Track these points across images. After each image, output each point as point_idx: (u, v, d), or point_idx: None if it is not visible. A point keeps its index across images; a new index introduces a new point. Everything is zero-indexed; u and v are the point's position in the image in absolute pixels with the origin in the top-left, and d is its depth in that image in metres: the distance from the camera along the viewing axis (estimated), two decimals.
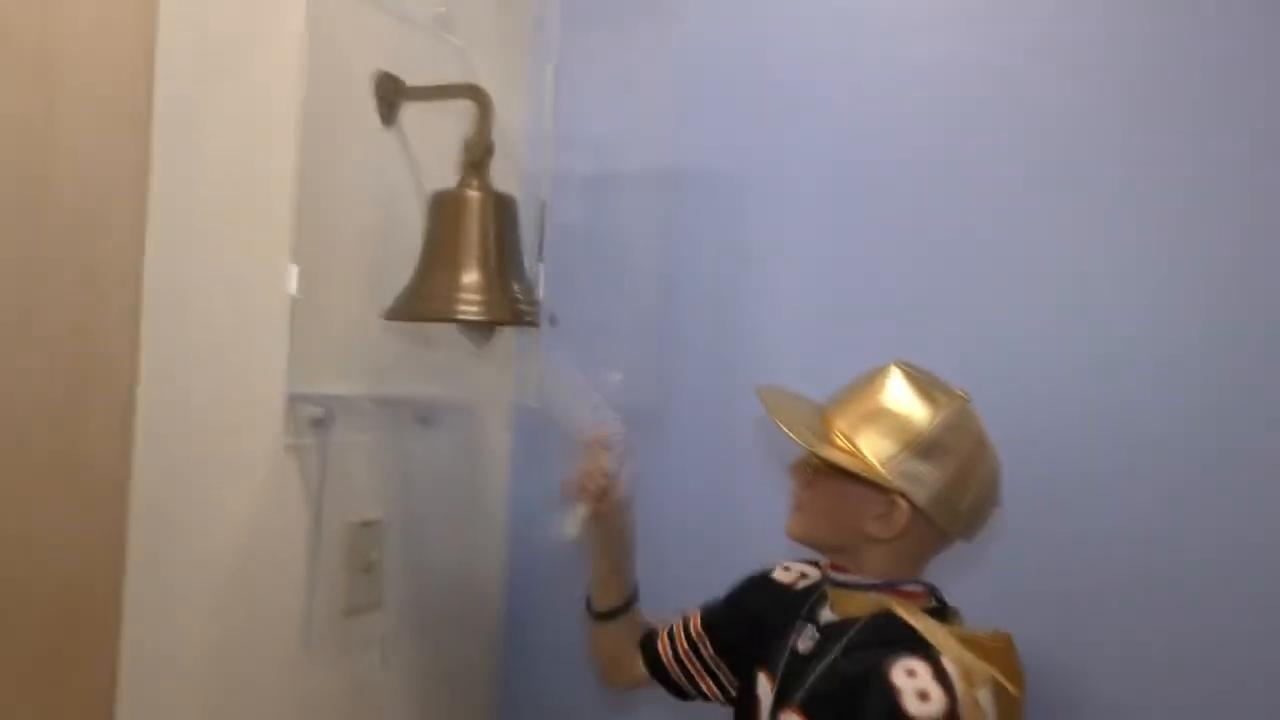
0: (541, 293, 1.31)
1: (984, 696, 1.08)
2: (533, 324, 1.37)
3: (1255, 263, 1.41)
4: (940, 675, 1.07)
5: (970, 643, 1.12)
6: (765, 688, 1.23)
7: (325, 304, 1.34)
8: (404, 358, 1.50)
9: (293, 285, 1.26)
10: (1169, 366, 1.44)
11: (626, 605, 1.41)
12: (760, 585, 1.36)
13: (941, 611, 1.19)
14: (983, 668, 1.10)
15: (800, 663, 1.18)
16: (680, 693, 1.39)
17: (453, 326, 1.40)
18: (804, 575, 1.33)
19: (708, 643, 1.36)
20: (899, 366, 1.20)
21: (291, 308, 1.26)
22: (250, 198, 1.21)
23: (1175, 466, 1.43)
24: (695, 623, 1.38)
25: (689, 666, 1.37)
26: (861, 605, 1.17)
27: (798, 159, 1.63)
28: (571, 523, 1.34)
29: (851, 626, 1.16)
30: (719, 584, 1.46)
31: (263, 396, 1.24)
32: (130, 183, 1.07)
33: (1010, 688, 1.12)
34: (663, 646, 1.39)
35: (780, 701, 1.18)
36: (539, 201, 1.40)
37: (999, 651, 1.15)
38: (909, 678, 1.08)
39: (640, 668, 1.40)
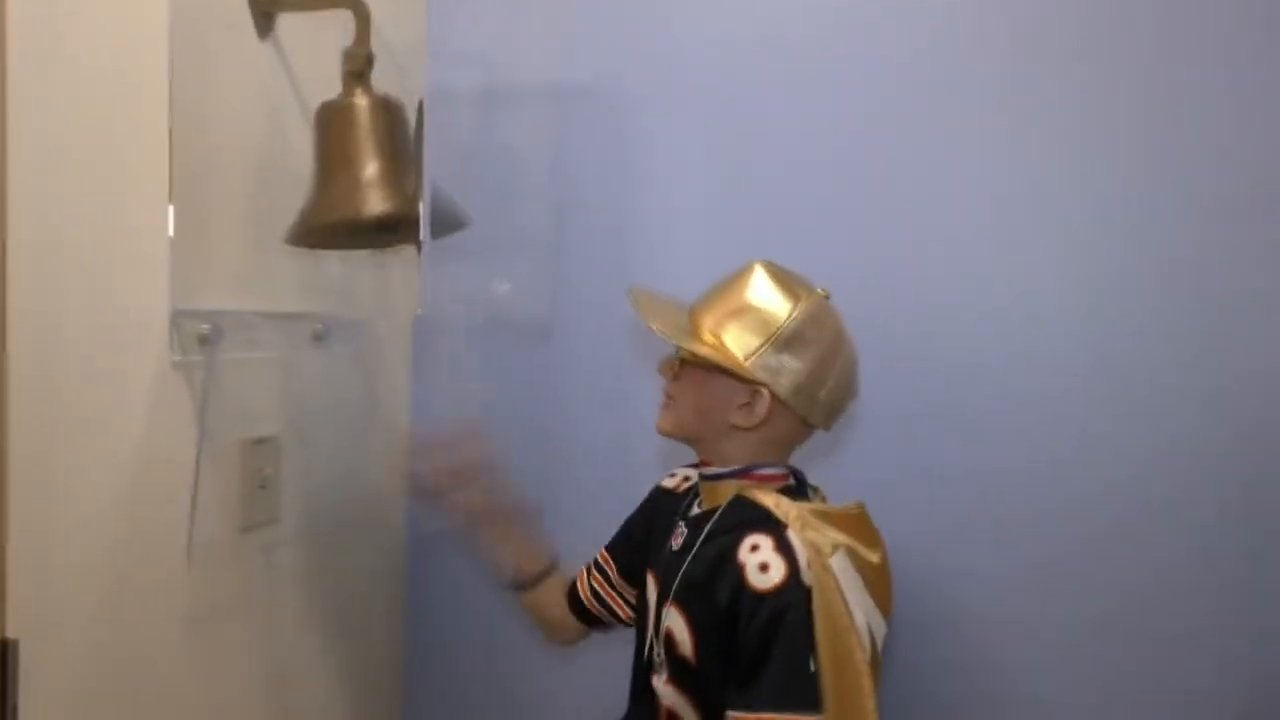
0: (424, 203, 1.30)
1: (838, 561, 1.14)
2: (449, 223, 1.37)
3: (1158, 190, 1.46)
4: (781, 547, 1.13)
5: (822, 514, 1.19)
6: (652, 589, 1.28)
7: (208, 221, 1.31)
8: (296, 273, 1.49)
9: (169, 221, 1.23)
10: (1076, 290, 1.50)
11: (554, 565, 1.47)
12: (650, 498, 1.44)
13: (798, 490, 1.25)
14: (832, 536, 1.16)
15: (674, 558, 1.24)
16: (596, 622, 1.45)
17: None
18: (686, 479, 1.40)
19: (613, 567, 1.42)
20: (761, 265, 1.24)
21: (172, 232, 1.23)
22: (122, 116, 1.17)
23: (1070, 379, 1.50)
24: (601, 554, 1.45)
25: (602, 594, 1.42)
26: (724, 494, 1.23)
27: (683, 66, 1.63)
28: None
29: (713, 515, 1.22)
30: (618, 493, 1.50)
31: (145, 315, 1.22)
32: None
33: (867, 553, 1.19)
34: (580, 586, 1.45)
35: (662, 598, 1.23)
36: (417, 107, 1.38)
37: (852, 520, 1.22)
38: (752, 552, 1.14)
39: (575, 624, 1.46)
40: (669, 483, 1.42)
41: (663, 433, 1.28)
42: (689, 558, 1.21)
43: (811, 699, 1.08)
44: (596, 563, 1.45)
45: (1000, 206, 1.51)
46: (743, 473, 1.23)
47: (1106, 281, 1.47)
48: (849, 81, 1.56)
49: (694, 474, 1.37)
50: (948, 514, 1.53)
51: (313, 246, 1.41)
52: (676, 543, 1.27)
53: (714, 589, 1.16)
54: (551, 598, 1.47)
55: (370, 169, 1.32)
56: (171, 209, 1.23)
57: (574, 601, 1.45)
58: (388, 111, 1.36)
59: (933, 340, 1.53)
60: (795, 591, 1.10)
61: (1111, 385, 1.48)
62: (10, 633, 1.05)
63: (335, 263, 1.56)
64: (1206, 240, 1.44)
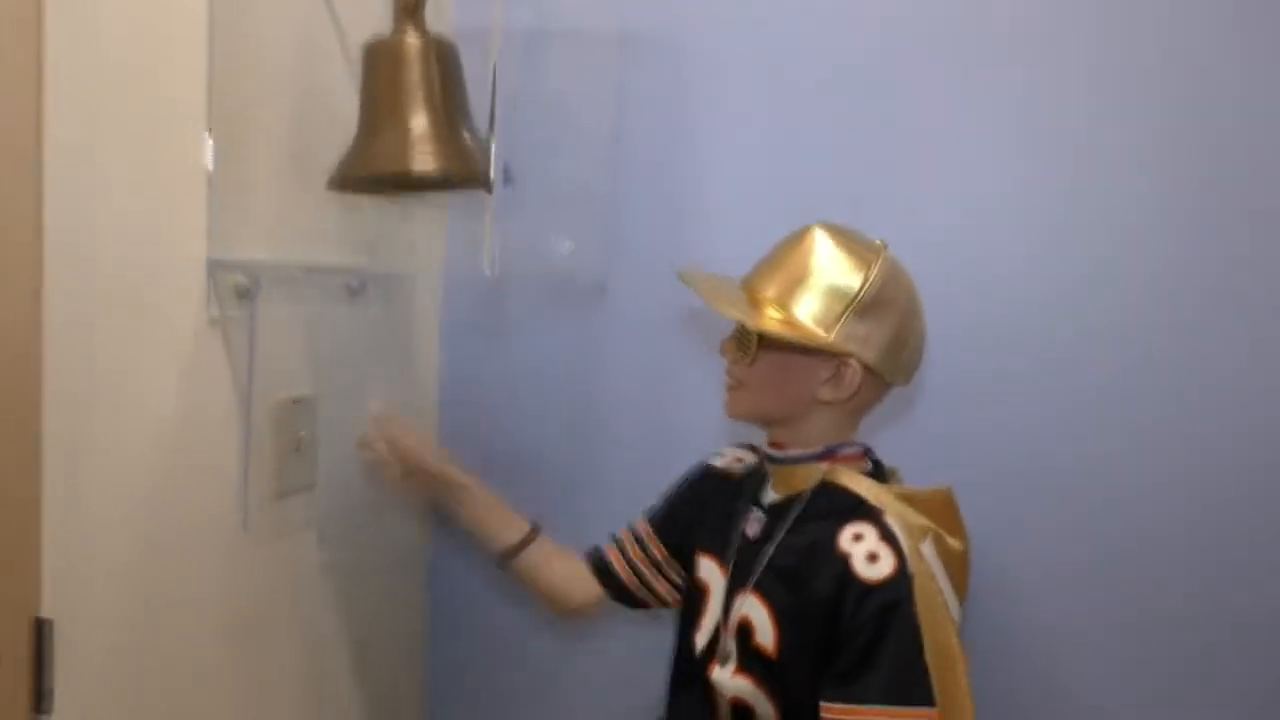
0: (494, 156, 1.20)
1: (926, 548, 1.10)
2: (485, 184, 1.26)
3: (1213, 183, 1.40)
4: (886, 535, 1.09)
5: (908, 498, 1.14)
6: (715, 574, 1.22)
7: (245, 166, 1.21)
8: (330, 223, 1.39)
9: (209, 157, 1.13)
10: (1102, 262, 1.44)
11: (534, 531, 1.38)
12: (699, 478, 1.35)
13: (879, 472, 1.20)
14: (921, 521, 1.11)
15: (750, 547, 1.18)
16: (634, 601, 1.37)
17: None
18: (739, 459, 1.32)
19: (660, 547, 1.35)
20: (822, 228, 1.16)
21: (209, 176, 1.13)
22: (157, 55, 1.07)
23: (1110, 355, 1.45)
24: (643, 527, 1.37)
25: (643, 571, 1.35)
26: (805, 479, 1.17)
27: (742, 21, 1.54)
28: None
29: (796, 503, 1.15)
30: (662, 461, 1.43)
31: (182, 265, 1.13)
32: (20, 43, 0.92)
33: (951, 540, 1.13)
34: (614, 557, 1.37)
35: (735, 587, 1.17)
36: (489, 63, 1.28)
37: (939, 505, 1.16)
38: (856, 542, 1.09)
39: (585, 591, 1.37)
40: (719, 463, 1.34)
41: (736, 417, 1.20)
42: (772, 547, 1.14)
43: (926, 693, 1.04)
44: (637, 538, 1.37)
45: (1058, 194, 1.45)
46: (825, 455, 1.16)
47: (1151, 273, 1.42)
48: (908, 40, 1.48)
49: (748, 455, 1.31)
50: (993, 509, 1.47)
51: (355, 192, 1.31)
52: (752, 529, 1.19)
53: (811, 580, 1.10)
54: (545, 563, 1.37)
55: (421, 120, 1.22)
56: (210, 142, 1.13)
57: (607, 576, 1.37)
58: (441, 53, 1.25)
59: (987, 314, 1.46)
60: (906, 582, 1.05)
61: (1169, 379, 1.42)
62: (45, 612, 0.97)
63: (369, 212, 1.46)
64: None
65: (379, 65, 1.24)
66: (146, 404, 1.08)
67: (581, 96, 1.57)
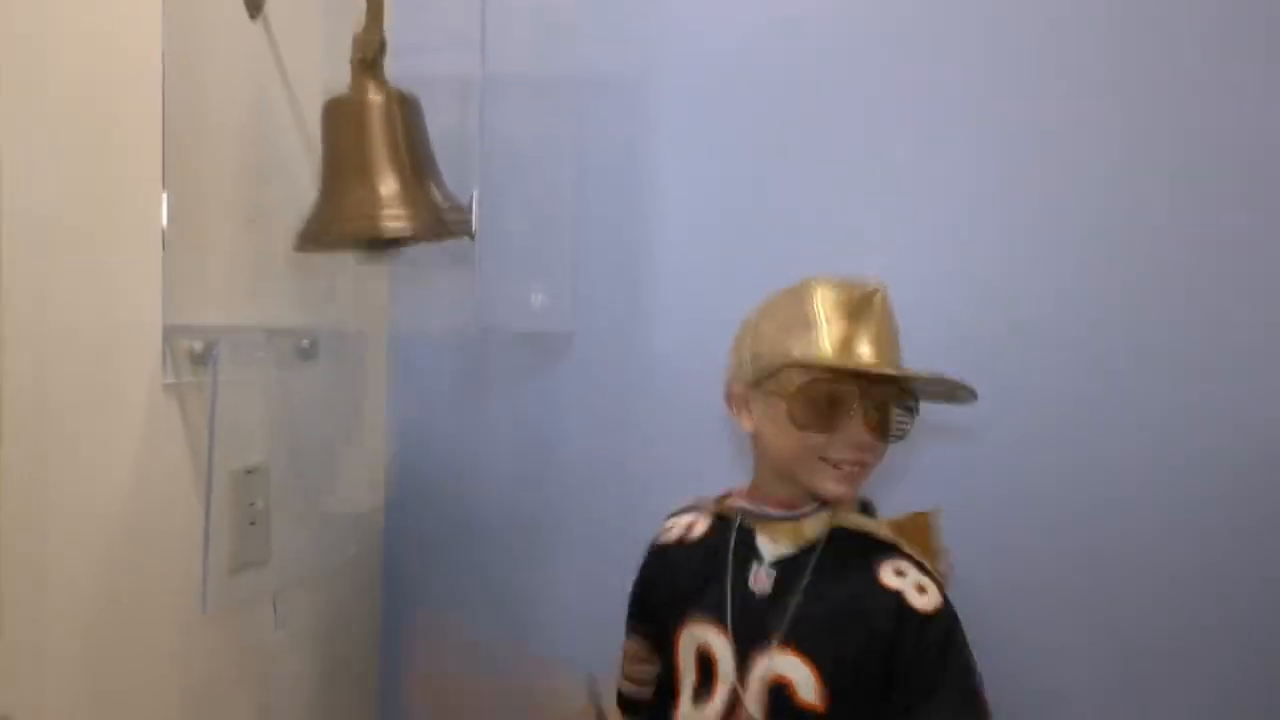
0: (475, 209, 1.18)
1: None
2: (466, 234, 1.24)
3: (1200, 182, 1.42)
4: (920, 567, 1.12)
5: (898, 529, 1.15)
6: (719, 640, 1.15)
7: (200, 227, 1.17)
8: (282, 283, 1.34)
9: (164, 216, 1.08)
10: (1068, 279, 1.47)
11: None
12: (658, 560, 1.26)
13: (868, 508, 1.20)
14: (918, 550, 1.14)
15: (762, 604, 1.13)
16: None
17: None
18: (690, 526, 1.24)
19: (644, 640, 1.26)
20: (882, 287, 1.12)
21: (165, 223, 1.08)
22: (110, 118, 1.02)
23: (1088, 368, 1.46)
24: (626, 645, 1.28)
25: (641, 673, 1.26)
26: (813, 528, 1.14)
27: (701, 66, 1.55)
28: None
29: (812, 552, 1.13)
30: (627, 515, 1.40)
31: (137, 331, 1.07)
32: None
33: (931, 565, 1.14)
34: (622, 685, 1.28)
35: (749, 648, 1.12)
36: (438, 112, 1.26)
37: (919, 532, 1.17)
38: (900, 577, 1.10)
39: None
40: (671, 536, 1.25)
41: (839, 500, 1.14)
42: (794, 600, 1.11)
43: (986, 710, 1.07)
44: (625, 653, 1.28)
45: (1029, 208, 1.47)
46: (826, 504, 1.15)
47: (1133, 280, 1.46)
48: (871, 75, 1.50)
49: (698, 517, 1.24)
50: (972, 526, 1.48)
51: (323, 251, 1.27)
52: (760, 586, 1.15)
53: (865, 621, 1.08)
54: None
55: (390, 179, 1.19)
56: (166, 201, 1.08)
57: (624, 702, 1.28)
58: (404, 108, 1.23)
59: (959, 346, 1.48)
60: (953, 609, 1.09)
61: (1153, 385, 1.45)
62: (1, 708, 0.89)
63: (319, 270, 1.42)
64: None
65: (341, 123, 1.21)
66: (101, 480, 1.02)
67: (542, 143, 1.56)
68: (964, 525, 1.37)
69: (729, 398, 1.18)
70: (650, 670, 1.24)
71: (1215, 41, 1.42)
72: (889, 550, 1.12)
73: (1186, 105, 1.44)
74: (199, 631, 1.17)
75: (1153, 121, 1.45)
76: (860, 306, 1.10)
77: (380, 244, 1.27)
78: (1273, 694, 1.43)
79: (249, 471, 1.26)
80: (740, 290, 1.19)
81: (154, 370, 1.09)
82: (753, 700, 1.10)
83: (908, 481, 1.42)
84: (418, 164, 1.21)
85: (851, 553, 1.13)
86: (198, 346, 1.15)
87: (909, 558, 1.11)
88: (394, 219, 1.16)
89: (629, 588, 1.28)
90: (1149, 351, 1.45)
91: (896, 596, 1.08)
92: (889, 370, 1.07)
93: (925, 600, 1.08)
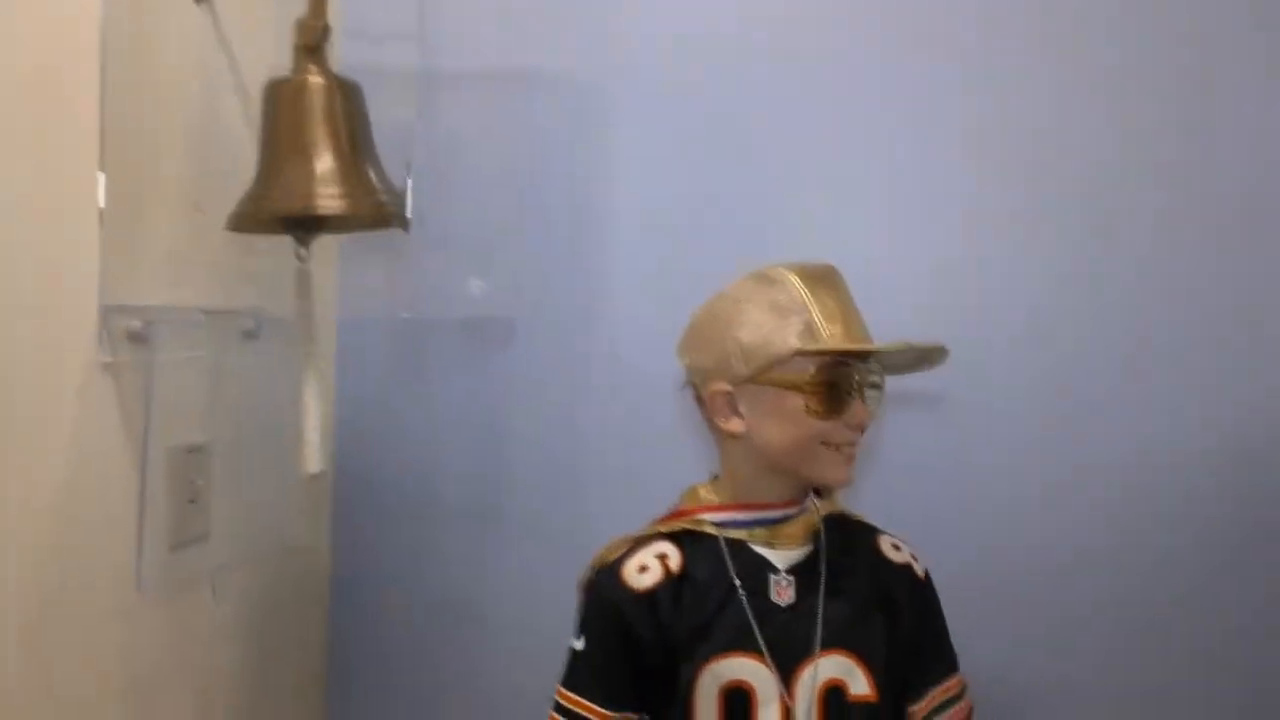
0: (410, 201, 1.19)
1: None
2: (400, 224, 1.25)
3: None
4: (893, 536, 1.18)
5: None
6: (755, 669, 1.08)
7: (139, 206, 1.17)
8: (225, 264, 1.35)
9: (101, 195, 1.09)
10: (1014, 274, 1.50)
11: None
12: (636, 614, 1.10)
13: (819, 493, 1.20)
14: None
15: (788, 614, 1.10)
16: None
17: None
18: (664, 555, 1.12)
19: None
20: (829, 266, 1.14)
21: (102, 203, 1.09)
22: (47, 94, 1.03)
23: (1034, 358, 1.51)
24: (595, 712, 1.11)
25: None
26: (805, 524, 1.14)
27: (645, 53, 1.57)
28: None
29: (817, 550, 1.13)
30: (571, 506, 1.42)
31: (73, 310, 1.08)
32: None
33: None
34: None
35: (793, 663, 1.08)
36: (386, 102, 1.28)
37: None
38: (897, 551, 1.16)
39: None
40: (649, 579, 1.10)
41: (846, 484, 1.11)
42: (821, 601, 1.10)
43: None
44: None
45: (985, 203, 1.51)
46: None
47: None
48: (824, 64, 1.54)
49: (667, 547, 1.12)
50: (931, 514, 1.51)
51: (256, 233, 1.28)
52: (784, 598, 1.10)
53: (893, 601, 1.13)
54: None
55: (327, 160, 1.20)
56: (103, 180, 1.09)
57: None
58: (345, 93, 1.24)
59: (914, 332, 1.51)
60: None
61: (1109, 372, 1.50)
62: None
63: (264, 252, 1.42)
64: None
65: (281, 104, 1.22)
66: (37, 457, 1.02)
67: (488, 135, 1.57)
68: (920, 503, 1.41)
69: (707, 402, 1.11)
70: None
71: None
72: (869, 526, 1.17)
73: (1144, 89, 1.47)
74: (139, 612, 1.18)
75: (1113, 104, 1.49)
76: (830, 285, 1.10)
77: (317, 227, 1.27)
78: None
79: (190, 450, 1.27)
80: (688, 279, 1.21)
81: (90, 349, 1.10)
82: (805, 714, 1.07)
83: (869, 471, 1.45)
84: (356, 148, 1.23)
85: (847, 538, 1.15)
86: (136, 325, 1.16)
87: (882, 530, 1.17)
88: (329, 198, 1.18)
89: (575, 584, 1.17)
90: (1107, 338, 1.49)
91: (907, 569, 1.15)
92: (899, 347, 1.06)
93: (920, 566, 1.16)
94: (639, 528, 1.17)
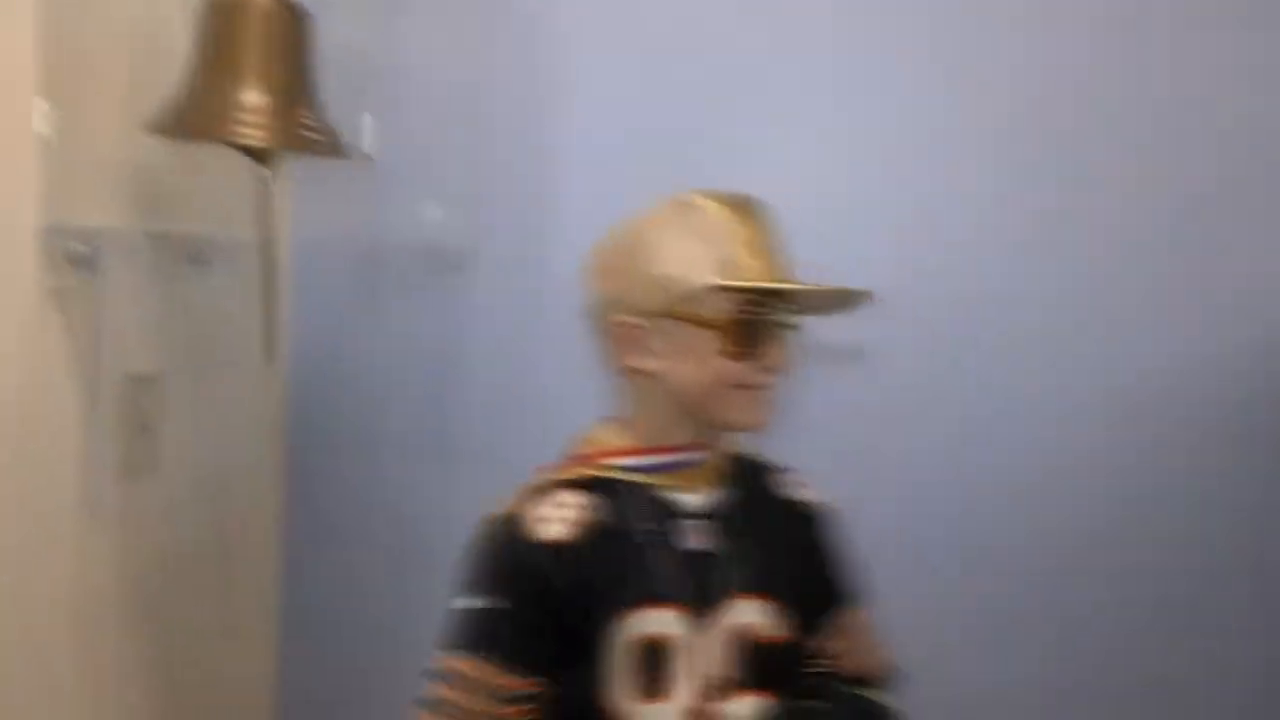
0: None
1: None
2: (331, 153, 1.21)
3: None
4: (797, 474, 1.13)
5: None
6: (671, 620, 0.99)
7: (82, 127, 1.12)
8: (174, 187, 1.31)
9: (39, 119, 1.04)
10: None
11: None
12: (546, 566, 0.98)
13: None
14: None
15: (705, 560, 1.02)
16: None
17: (233, 152, 1.22)
18: (573, 504, 1.01)
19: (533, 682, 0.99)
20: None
21: (40, 138, 1.04)
22: None
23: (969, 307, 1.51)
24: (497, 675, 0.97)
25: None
26: (715, 466, 1.06)
27: None
28: None
29: (729, 491, 1.06)
30: (523, 434, 1.40)
31: (13, 233, 1.04)
32: None
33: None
34: None
35: (708, 609, 1.01)
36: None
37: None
38: (803, 487, 1.12)
39: None
40: (558, 532, 0.98)
41: (759, 428, 1.02)
42: (738, 543, 1.03)
43: None
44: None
45: (925, 132, 1.51)
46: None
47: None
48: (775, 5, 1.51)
49: (584, 498, 1.01)
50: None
51: (179, 137, 1.23)
52: (697, 543, 1.02)
53: (805, 539, 1.10)
54: None
55: (254, 90, 1.15)
56: (41, 104, 1.04)
57: None
58: (290, 18, 1.19)
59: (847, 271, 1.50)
60: None
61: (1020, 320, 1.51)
62: None
63: (214, 175, 1.37)
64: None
65: (220, 23, 1.17)
66: None
67: (442, 64, 1.52)
68: (846, 454, 1.42)
69: (613, 333, 1.01)
70: None
71: None
72: (773, 466, 1.12)
73: (1063, 34, 1.47)
74: (90, 539, 1.16)
75: (1047, 49, 1.48)
76: (752, 217, 1.01)
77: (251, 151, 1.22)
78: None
79: (140, 379, 1.24)
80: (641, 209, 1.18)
81: (33, 273, 1.06)
82: (721, 659, 1.01)
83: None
84: (293, 76, 1.18)
85: (754, 479, 1.10)
86: (81, 249, 1.12)
87: (783, 464, 1.13)
88: (250, 128, 1.14)
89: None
90: (1030, 288, 1.50)
91: (814, 507, 1.11)
92: (824, 288, 0.98)
93: (825, 502, 1.12)
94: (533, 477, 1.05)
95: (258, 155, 1.21)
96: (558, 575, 0.97)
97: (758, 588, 1.03)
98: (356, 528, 1.63)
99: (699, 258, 0.97)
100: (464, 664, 0.96)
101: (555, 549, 0.97)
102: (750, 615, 1.02)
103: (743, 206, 1.00)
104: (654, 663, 0.98)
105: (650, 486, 1.02)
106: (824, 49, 1.51)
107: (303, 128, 1.19)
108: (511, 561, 0.99)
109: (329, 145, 1.23)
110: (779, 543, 1.07)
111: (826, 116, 1.53)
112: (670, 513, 1.02)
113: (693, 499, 1.03)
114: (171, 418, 1.31)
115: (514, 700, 0.96)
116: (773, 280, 0.97)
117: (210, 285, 1.40)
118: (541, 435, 1.39)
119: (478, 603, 0.98)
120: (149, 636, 1.31)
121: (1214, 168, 1.48)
